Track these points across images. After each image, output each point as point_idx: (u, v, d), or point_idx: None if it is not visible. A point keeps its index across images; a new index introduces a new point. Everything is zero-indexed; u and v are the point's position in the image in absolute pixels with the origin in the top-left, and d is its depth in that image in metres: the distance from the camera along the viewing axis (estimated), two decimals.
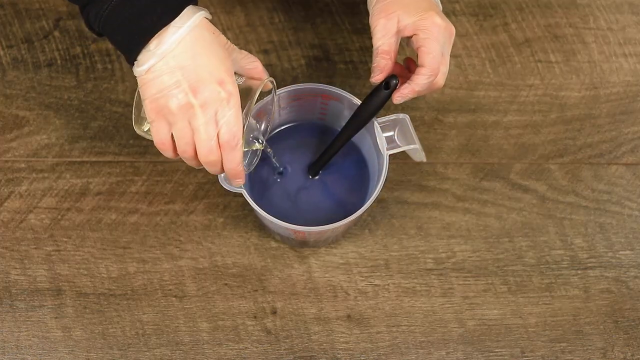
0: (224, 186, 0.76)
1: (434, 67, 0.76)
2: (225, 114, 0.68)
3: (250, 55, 0.73)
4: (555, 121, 0.96)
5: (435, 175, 0.93)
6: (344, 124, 0.81)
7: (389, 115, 0.79)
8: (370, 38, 0.98)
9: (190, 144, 0.69)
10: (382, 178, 0.78)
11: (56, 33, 0.97)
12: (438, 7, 0.79)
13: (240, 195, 0.77)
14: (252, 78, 0.74)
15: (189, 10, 0.67)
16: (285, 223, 0.77)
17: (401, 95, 0.77)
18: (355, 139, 0.88)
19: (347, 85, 0.95)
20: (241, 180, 0.73)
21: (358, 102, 0.80)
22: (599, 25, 1.00)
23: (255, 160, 0.79)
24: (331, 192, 0.88)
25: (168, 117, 0.68)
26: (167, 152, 0.71)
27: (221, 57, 0.68)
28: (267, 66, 0.96)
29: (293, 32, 0.99)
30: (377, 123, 0.78)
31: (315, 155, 0.87)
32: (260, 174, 0.88)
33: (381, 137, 0.78)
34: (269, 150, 0.83)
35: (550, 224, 0.92)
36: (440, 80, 0.78)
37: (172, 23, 0.66)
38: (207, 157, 0.69)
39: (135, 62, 0.68)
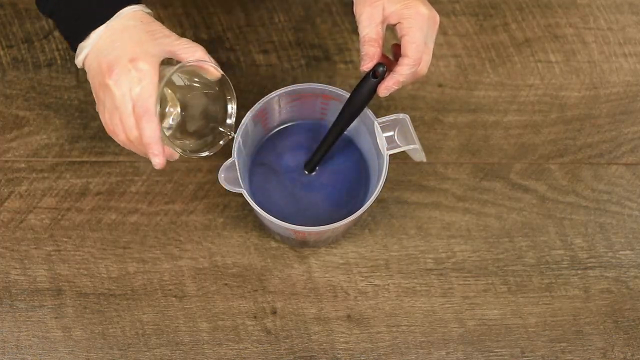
0: (224, 186, 0.76)
1: (417, 57, 0.76)
2: (135, 89, 0.70)
3: (190, 42, 0.75)
4: (555, 121, 0.96)
5: (435, 175, 0.93)
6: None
7: (389, 115, 0.79)
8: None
9: (117, 124, 0.73)
10: (382, 178, 0.78)
11: (56, 33, 0.97)
12: None
13: (240, 195, 0.77)
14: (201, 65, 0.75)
15: (126, 8, 0.73)
16: (285, 223, 0.77)
17: (386, 87, 0.77)
18: (356, 139, 0.89)
19: (347, 85, 0.95)
20: (157, 158, 0.73)
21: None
22: (599, 25, 1.00)
23: (215, 147, 0.78)
24: (331, 192, 0.88)
25: (100, 102, 0.73)
26: (114, 137, 0.75)
27: (141, 40, 0.72)
28: (267, 66, 0.97)
29: (293, 32, 0.99)
30: (377, 123, 0.78)
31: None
32: (261, 174, 0.88)
33: (381, 137, 0.78)
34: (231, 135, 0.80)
35: (550, 224, 0.92)
36: (423, 68, 0.78)
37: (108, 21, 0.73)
38: (129, 134, 0.72)
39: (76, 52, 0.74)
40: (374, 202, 0.78)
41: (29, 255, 0.89)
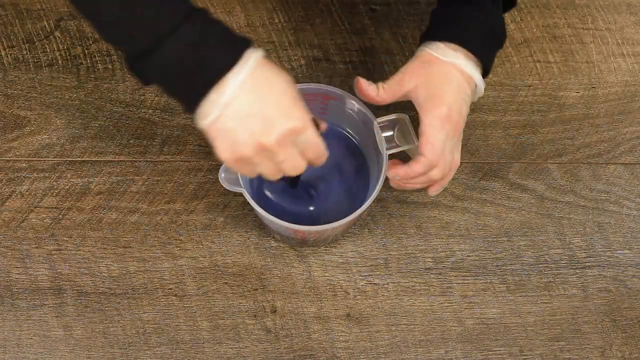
0: (225, 186, 0.77)
1: (433, 160, 0.75)
2: (304, 140, 0.67)
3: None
4: (553, 121, 0.97)
5: None
6: (345, 124, 0.80)
7: (388, 115, 0.80)
8: (370, 38, 0.99)
9: (278, 174, 0.70)
10: (381, 178, 0.78)
11: (57, 33, 0.97)
12: (463, 92, 0.76)
13: (240, 194, 0.77)
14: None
15: (246, 53, 0.65)
16: (285, 223, 0.77)
17: (395, 172, 0.78)
18: (355, 138, 0.89)
19: (347, 85, 0.96)
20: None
21: (358, 102, 0.80)
22: (597, 25, 1.01)
23: None
24: (331, 191, 0.88)
25: (249, 162, 0.68)
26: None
27: (284, 89, 0.66)
28: None
29: (293, 32, 0.99)
30: (376, 123, 0.79)
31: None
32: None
33: (380, 137, 0.78)
34: None
35: (548, 224, 0.93)
36: (437, 174, 0.77)
37: (232, 70, 0.64)
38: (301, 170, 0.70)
39: (196, 113, 0.66)
40: (373, 201, 0.78)
41: (30, 255, 0.90)
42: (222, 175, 0.77)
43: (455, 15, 0.78)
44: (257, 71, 0.65)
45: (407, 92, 0.77)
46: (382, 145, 0.78)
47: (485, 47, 0.78)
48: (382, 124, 0.79)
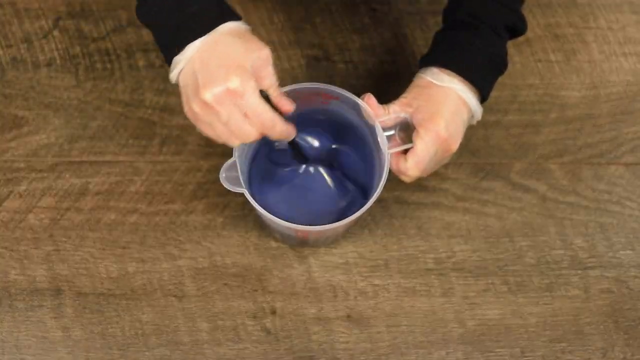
0: (226, 186, 0.76)
1: (415, 170, 0.78)
2: (245, 105, 0.70)
3: (282, 95, 0.75)
4: (555, 121, 0.96)
5: (435, 175, 0.93)
6: (345, 123, 0.80)
7: (390, 114, 0.79)
8: (370, 38, 0.99)
9: (232, 138, 0.73)
10: (383, 176, 0.78)
11: (55, 33, 0.97)
12: (460, 114, 0.78)
13: (240, 195, 0.77)
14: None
15: (224, 25, 0.72)
16: (287, 223, 0.77)
17: (393, 146, 0.79)
18: (356, 137, 0.88)
19: (347, 85, 0.95)
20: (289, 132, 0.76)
21: (359, 101, 0.79)
22: (599, 24, 1.00)
23: None
24: (332, 191, 0.88)
25: (201, 120, 0.72)
26: (229, 143, 0.74)
27: (236, 54, 0.71)
28: None
29: (293, 32, 0.99)
30: (378, 122, 0.78)
31: (317, 153, 0.87)
32: (261, 173, 0.88)
33: (382, 136, 0.78)
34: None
35: (550, 224, 0.92)
36: (410, 176, 0.79)
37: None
38: (248, 139, 0.72)
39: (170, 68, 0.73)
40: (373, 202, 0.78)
41: (28, 255, 0.89)
42: (222, 175, 0.76)
43: (454, 42, 0.80)
44: (223, 37, 0.71)
45: (410, 114, 0.79)
46: (384, 144, 0.78)
47: (481, 76, 0.79)
48: (383, 124, 0.78)
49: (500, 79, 0.97)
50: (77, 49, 0.97)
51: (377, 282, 0.90)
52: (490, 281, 0.90)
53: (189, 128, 0.94)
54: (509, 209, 0.93)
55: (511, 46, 0.99)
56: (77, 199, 0.91)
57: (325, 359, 0.87)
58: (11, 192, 0.91)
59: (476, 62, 0.79)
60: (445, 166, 0.93)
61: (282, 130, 0.74)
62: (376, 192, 0.78)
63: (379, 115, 0.78)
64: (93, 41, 0.97)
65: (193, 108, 0.71)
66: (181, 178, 0.92)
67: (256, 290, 0.89)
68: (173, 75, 0.73)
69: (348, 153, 0.88)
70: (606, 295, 0.90)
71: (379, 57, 0.98)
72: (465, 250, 0.91)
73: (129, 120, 0.94)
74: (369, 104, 0.78)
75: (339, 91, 0.80)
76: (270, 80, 0.73)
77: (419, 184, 0.93)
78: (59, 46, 0.97)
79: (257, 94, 0.71)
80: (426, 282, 0.90)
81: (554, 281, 0.90)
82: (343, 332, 0.88)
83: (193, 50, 0.71)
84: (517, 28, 0.83)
